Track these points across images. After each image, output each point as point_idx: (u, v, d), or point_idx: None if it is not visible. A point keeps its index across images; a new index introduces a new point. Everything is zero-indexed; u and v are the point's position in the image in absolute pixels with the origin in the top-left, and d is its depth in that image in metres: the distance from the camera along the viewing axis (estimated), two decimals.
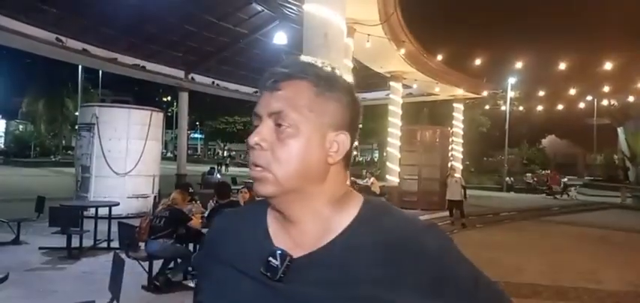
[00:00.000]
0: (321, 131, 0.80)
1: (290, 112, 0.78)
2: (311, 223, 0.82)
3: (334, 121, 0.81)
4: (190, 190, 6.89)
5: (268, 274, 0.78)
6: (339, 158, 0.82)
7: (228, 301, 0.83)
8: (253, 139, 0.79)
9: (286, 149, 0.78)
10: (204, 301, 0.89)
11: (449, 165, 14.43)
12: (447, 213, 12.57)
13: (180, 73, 17.48)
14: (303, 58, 0.85)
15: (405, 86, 16.17)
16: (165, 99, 52.80)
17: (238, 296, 0.81)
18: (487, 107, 33.72)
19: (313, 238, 0.81)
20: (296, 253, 0.79)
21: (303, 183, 0.80)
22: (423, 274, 0.77)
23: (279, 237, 0.83)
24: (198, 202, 7.09)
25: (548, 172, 29.87)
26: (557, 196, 23.26)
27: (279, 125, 0.79)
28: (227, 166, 35.19)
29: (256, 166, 0.80)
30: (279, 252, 0.78)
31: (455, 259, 0.83)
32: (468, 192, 12.96)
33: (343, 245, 0.79)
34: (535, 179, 29.09)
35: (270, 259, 0.78)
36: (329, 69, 0.84)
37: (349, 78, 0.87)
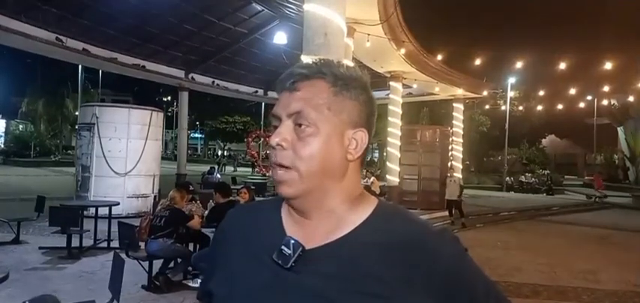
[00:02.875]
0: (340, 129, 0.82)
1: (309, 111, 0.80)
2: (325, 220, 0.84)
3: (352, 119, 0.83)
4: (190, 188, 6.90)
5: (280, 261, 0.79)
6: (358, 155, 0.84)
7: (240, 287, 0.84)
8: (274, 139, 0.81)
9: (308, 147, 0.80)
10: (216, 288, 0.90)
11: (449, 165, 14.42)
12: (446, 213, 12.59)
13: (181, 73, 17.49)
14: (321, 58, 0.87)
15: (405, 86, 16.17)
16: (165, 99, 52.77)
17: (250, 282, 0.83)
18: (487, 107, 33.70)
19: (326, 232, 0.83)
20: (308, 245, 0.81)
21: (325, 180, 0.82)
22: (434, 277, 0.78)
23: (292, 229, 0.84)
24: (198, 201, 7.09)
25: (592, 175, 27.28)
26: (592, 198, 21.96)
27: (299, 125, 0.80)
28: (225, 165, 35.10)
29: (280, 166, 0.81)
30: (292, 241, 0.80)
31: (468, 267, 0.84)
32: (466, 192, 12.97)
33: (355, 241, 0.81)
34: (534, 179, 29.06)
35: (283, 247, 0.80)
36: (345, 68, 0.86)
37: (366, 76, 0.88)
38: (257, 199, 7.36)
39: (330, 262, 0.79)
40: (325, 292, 0.77)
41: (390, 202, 0.98)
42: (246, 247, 0.87)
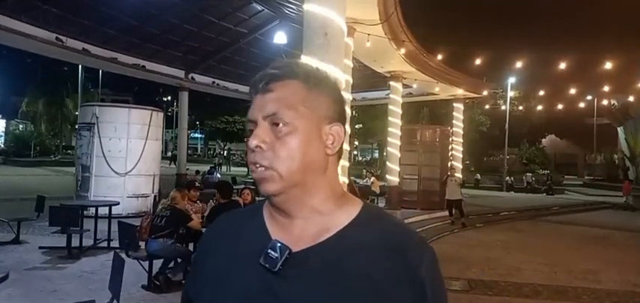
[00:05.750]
0: (317, 125, 0.83)
1: (285, 111, 0.80)
2: (310, 220, 0.84)
3: (327, 114, 0.85)
4: (196, 184, 6.89)
5: (267, 265, 0.79)
6: (336, 149, 0.85)
7: (225, 294, 0.83)
8: (253, 142, 0.81)
9: (287, 146, 0.80)
10: (196, 294, 0.89)
11: (449, 165, 14.43)
12: (446, 213, 12.60)
13: (181, 73, 17.49)
14: (290, 59, 0.88)
15: (405, 86, 16.16)
16: (165, 99, 52.78)
17: (236, 288, 0.82)
18: (487, 107, 33.72)
19: (311, 234, 0.83)
20: (295, 248, 0.80)
21: (306, 176, 0.82)
22: (413, 284, 0.80)
23: (277, 233, 0.84)
24: (198, 202, 7.10)
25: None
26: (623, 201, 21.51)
27: (276, 125, 0.80)
28: (221, 165, 35.09)
29: (259, 165, 0.81)
30: (279, 244, 0.80)
31: (441, 283, 0.86)
32: (464, 192, 13.02)
33: (341, 243, 0.81)
34: (534, 179, 29.10)
35: (270, 251, 0.79)
36: (315, 68, 0.88)
37: (336, 74, 0.90)
38: (258, 199, 7.37)
39: (317, 264, 0.79)
40: (314, 295, 0.77)
41: (374, 205, 0.99)
42: (229, 254, 0.86)
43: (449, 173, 12.67)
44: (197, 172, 18.46)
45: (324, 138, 0.84)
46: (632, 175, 27.51)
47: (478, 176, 29.47)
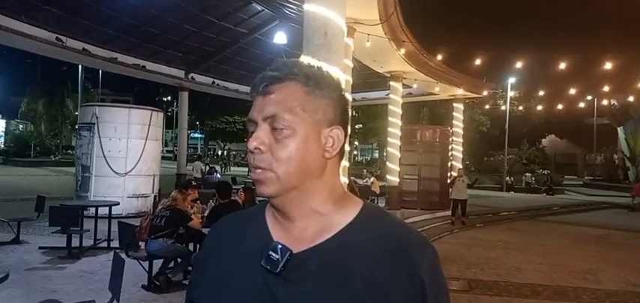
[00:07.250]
0: (316, 128, 0.83)
1: (284, 114, 0.81)
2: (310, 221, 0.84)
3: (327, 117, 0.84)
4: (193, 183, 6.90)
5: (268, 267, 0.79)
6: (335, 152, 0.85)
7: (227, 295, 0.83)
8: (252, 143, 0.81)
9: (285, 149, 0.80)
10: (197, 296, 0.89)
11: (449, 165, 14.48)
12: (447, 213, 12.63)
13: (181, 73, 17.48)
14: (291, 59, 0.88)
15: (405, 86, 16.16)
16: (165, 99, 52.77)
17: (238, 290, 0.82)
18: (487, 107, 33.72)
19: (312, 234, 0.83)
20: (296, 249, 0.80)
21: (304, 179, 0.82)
22: (413, 284, 0.79)
23: (279, 234, 0.84)
24: (198, 202, 7.10)
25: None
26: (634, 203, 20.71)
27: (275, 128, 0.81)
28: (223, 166, 35.20)
29: (258, 168, 0.82)
30: (279, 246, 0.80)
31: (442, 282, 0.86)
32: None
33: (341, 243, 0.81)
34: (534, 179, 29.10)
35: (271, 252, 0.80)
36: (316, 68, 0.87)
37: (336, 74, 0.89)
38: (258, 199, 7.37)
39: (318, 265, 0.79)
40: (314, 297, 0.77)
41: (374, 205, 0.98)
42: (231, 255, 0.87)
43: (457, 173, 12.88)
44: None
45: (324, 141, 0.83)
46: (632, 175, 27.53)
47: (526, 178, 28.87)
